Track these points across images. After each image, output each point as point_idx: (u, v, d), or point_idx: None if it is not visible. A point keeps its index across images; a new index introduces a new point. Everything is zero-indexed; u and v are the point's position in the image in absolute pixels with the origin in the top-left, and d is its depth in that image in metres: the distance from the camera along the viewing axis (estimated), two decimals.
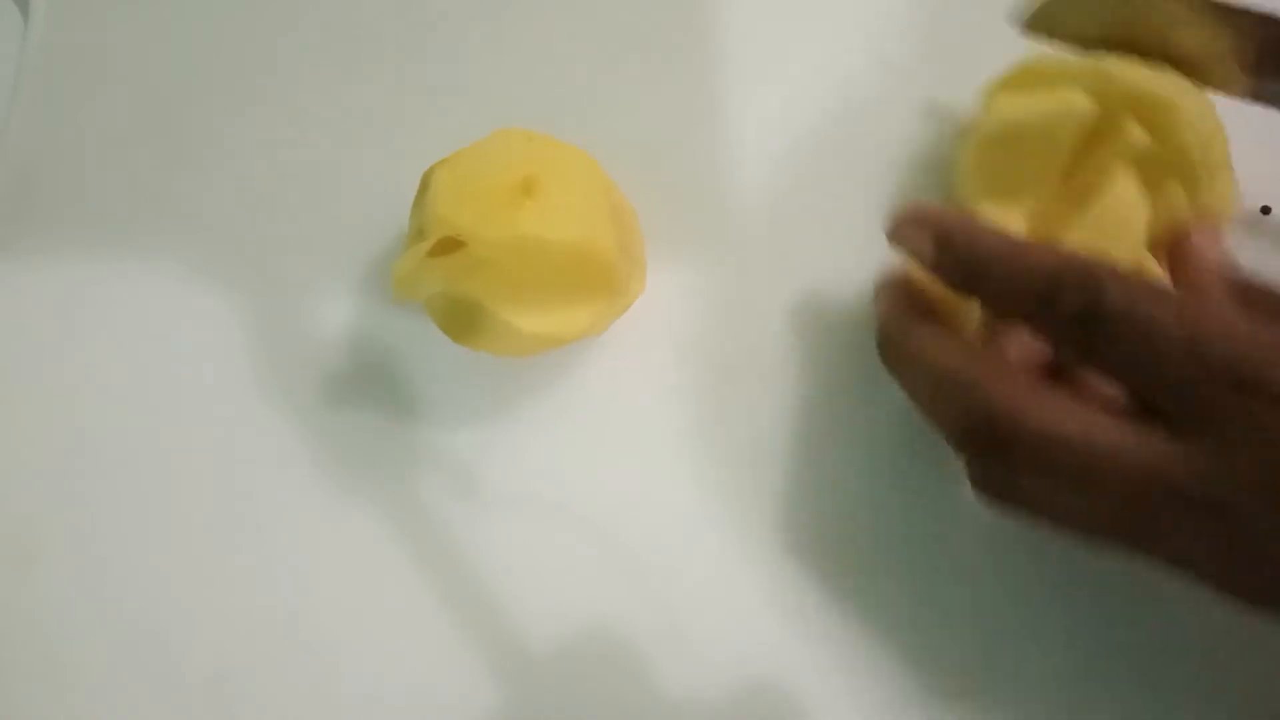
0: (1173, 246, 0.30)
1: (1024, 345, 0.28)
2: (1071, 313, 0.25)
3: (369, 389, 0.35)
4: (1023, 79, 0.32)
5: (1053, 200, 0.31)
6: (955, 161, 0.34)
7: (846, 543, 0.33)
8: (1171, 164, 0.30)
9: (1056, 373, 0.28)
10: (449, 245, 0.30)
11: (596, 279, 0.31)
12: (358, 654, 0.33)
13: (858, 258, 0.34)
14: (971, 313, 0.30)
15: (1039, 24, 0.32)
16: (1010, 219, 0.31)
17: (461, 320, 0.31)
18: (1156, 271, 0.30)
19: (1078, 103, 0.30)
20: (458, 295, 0.31)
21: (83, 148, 0.38)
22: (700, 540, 0.33)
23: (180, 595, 0.33)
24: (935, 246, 0.28)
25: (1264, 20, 0.29)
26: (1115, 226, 0.30)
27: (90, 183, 0.38)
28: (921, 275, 0.29)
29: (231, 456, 0.35)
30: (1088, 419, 0.24)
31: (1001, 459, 0.25)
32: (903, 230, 0.29)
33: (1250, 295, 0.29)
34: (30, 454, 0.35)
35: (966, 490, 0.27)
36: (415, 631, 0.33)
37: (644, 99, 0.37)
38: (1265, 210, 0.34)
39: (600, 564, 0.33)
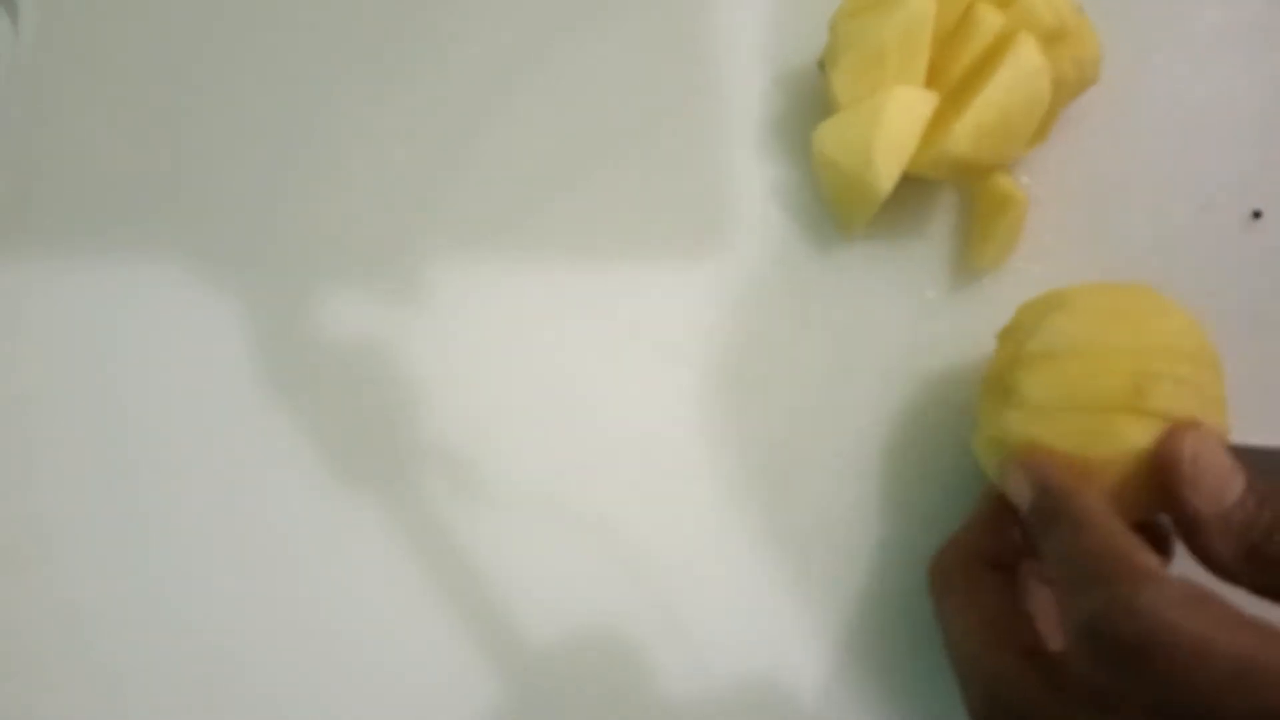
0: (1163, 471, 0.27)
1: None
2: (1078, 619, 0.24)
3: (370, 387, 0.35)
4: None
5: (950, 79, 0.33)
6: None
7: (849, 541, 0.33)
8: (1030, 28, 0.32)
9: None
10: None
11: None
12: (359, 650, 0.33)
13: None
14: None
15: None
16: (923, 100, 0.32)
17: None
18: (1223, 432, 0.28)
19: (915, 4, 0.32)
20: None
21: (76, 148, 0.38)
22: (701, 538, 0.33)
23: (182, 592, 0.34)
24: (1033, 493, 0.27)
25: None
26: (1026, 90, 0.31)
27: (85, 183, 0.37)
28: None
29: (232, 454, 0.35)
30: None
31: None
32: (1013, 473, 0.28)
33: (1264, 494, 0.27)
34: (34, 453, 0.35)
35: None
36: (417, 628, 0.33)
37: None
38: (1257, 215, 0.35)
39: (601, 562, 0.33)
